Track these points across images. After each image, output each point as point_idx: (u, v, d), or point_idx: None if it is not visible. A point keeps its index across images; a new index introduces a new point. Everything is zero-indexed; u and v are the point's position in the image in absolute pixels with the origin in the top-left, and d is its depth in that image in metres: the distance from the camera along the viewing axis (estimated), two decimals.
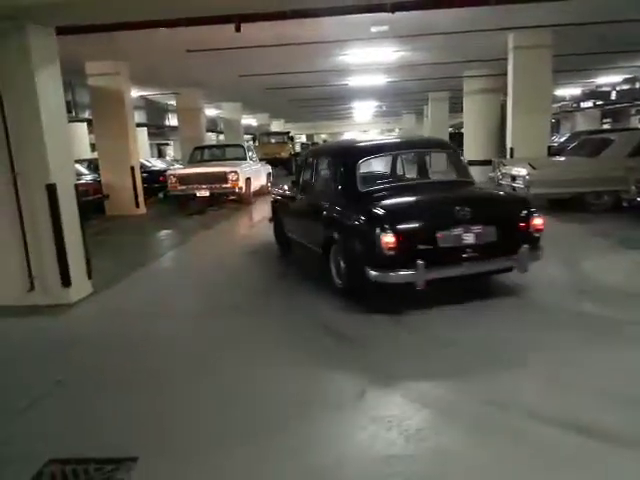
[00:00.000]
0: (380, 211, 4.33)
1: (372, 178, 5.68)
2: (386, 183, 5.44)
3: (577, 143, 10.56)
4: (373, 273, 4.17)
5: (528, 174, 8.59)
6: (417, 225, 4.32)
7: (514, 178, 9.25)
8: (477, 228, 4.27)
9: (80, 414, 3.10)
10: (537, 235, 4.50)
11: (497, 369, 3.33)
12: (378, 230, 4.11)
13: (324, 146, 9.12)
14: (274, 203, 7.29)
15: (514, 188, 9.35)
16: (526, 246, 4.32)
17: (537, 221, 4.47)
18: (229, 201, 12.26)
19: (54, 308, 4.97)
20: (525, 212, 4.51)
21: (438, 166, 7.61)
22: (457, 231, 4.24)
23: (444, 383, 3.15)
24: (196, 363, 3.70)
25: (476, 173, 14.71)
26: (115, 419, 3.00)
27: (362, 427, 2.72)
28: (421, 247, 4.15)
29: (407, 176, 6.25)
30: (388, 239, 4.06)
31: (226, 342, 4.06)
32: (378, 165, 6.53)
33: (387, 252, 4.07)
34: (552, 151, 11.55)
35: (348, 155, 5.34)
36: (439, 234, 4.20)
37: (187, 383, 3.40)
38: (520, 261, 4.35)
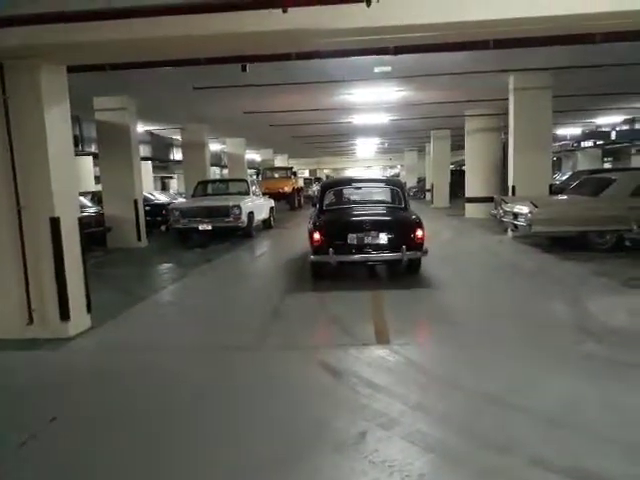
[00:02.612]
0: (318, 221, 7.09)
1: (337, 201, 8.19)
2: (341, 205, 8.10)
3: (579, 182, 10.64)
4: (311, 257, 6.85)
5: (530, 212, 8.63)
6: (334, 230, 6.93)
7: (516, 216, 9.29)
8: (374, 234, 6.76)
9: (73, 455, 3.01)
10: (419, 242, 6.76)
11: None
12: (313, 231, 6.81)
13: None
14: None
15: (516, 225, 9.39)
16: (404, 247, 6.59)
17: (418, 234, 6.76)
18: (231, 234, 12.29)
19: (52, 342, 4.91)
20: (411, 228, 6.80)
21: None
22: (361, 236, 6.75)
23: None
24: (191, 401, 3.62)
25: (477, 210, 14.94)
26: (108, 460, 2.92)
27: None
28: (337, 242, 6.73)
29: (362, 201, 8.41)
30: (316, 236, 6.73)
31: (221, 378, 4.00)
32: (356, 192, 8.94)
33: (316, 244, 6.74)
34: (554, 189, 11.64)
35: (322, 186, 8.41)
36: (348, 236, 6.74)
37: (182, 421, 3.32)
38: (402, 256, 6.65)
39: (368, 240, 6.74)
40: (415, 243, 6.72)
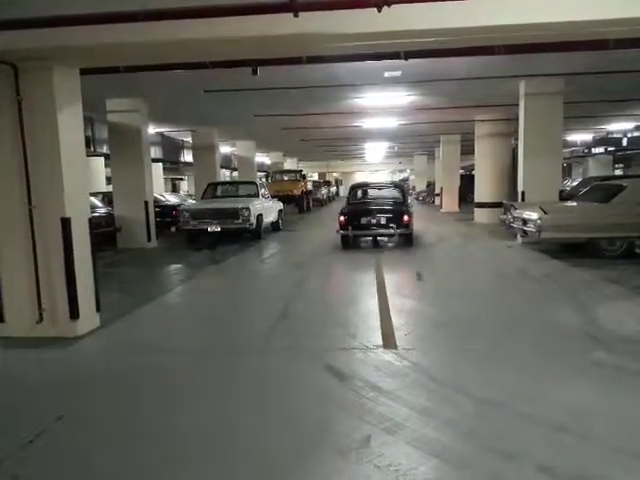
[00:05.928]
0: (345, 210, 10.91)
1: (360, 197, 12.32)
2: (361, 200, 12.15)
3: (589, 188, 10.56)
4: (340, 232, 10.58)
5: (539, 218, 8.58)
6: (353, 215, 10.61)
7: (525, 222, 9.25)
8: (378, 217, 10.48)
9: (78, 453, 3.04)
10: (406, 223, 10.36)
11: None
12: (340, 215, 10.67)
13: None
14: None
15: (525, 231, 9.34)
16: (394, 225, 10.28)
17: (405, 218, 10.37)
18: (240, 236, 12.34)
19: (61, 341, 4.96)
20: (400, 214, 10.48)
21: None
22: (369, 218, 10.52)
23: None
24: (196, 402, 3.64)
25: (487, 215, 14.89)
26: (114, 459, 2.95)
27: None
28: (354, 223, 10.47)
29: (375, 197, 12.26)
30: (341, 219, 10.57)
31: (226, 380, 4.01)
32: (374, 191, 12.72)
33: (341, 224, 10.55)
34: (564, 195, 11.57)
35: (351, 187, 12.84)
36: (362, 219, 10.52)
37: (186, 422, 3.33)
38: (393, 232, 10.35)
39: (374, 221, 10.51)
40: (403, 224, 10.36)
